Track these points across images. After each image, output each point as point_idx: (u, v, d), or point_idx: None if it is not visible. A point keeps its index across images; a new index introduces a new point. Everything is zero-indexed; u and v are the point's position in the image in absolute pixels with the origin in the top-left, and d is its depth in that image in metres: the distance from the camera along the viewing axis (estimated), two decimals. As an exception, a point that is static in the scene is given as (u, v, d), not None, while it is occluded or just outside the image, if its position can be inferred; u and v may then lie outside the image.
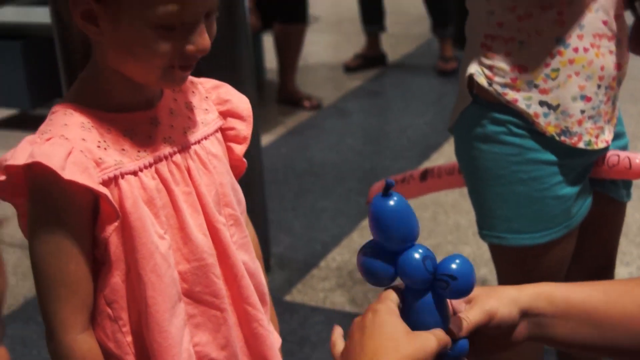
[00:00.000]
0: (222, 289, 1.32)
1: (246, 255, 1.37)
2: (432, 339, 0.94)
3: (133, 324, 1.27)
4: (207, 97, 1.38)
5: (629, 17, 1.76)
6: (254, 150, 2.81)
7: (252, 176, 2.80)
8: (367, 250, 1.01)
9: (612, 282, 1.08)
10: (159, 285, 1.24)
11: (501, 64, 1.69)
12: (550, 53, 1.68)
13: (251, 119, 1.40)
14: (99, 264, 1.25)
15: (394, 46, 6.03)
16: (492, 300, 0.99)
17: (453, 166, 2.03)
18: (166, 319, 1.24)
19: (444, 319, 0.99)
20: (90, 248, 1.22)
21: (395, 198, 0.98)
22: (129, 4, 1.14)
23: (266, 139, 4.52)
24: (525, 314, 1.01)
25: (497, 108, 1.72)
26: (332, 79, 5.62)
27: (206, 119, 1.35)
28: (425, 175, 2.12)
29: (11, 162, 1.17)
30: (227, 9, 2.58)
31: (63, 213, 1.19)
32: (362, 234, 3.33)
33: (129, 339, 1.27)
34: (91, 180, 1.17)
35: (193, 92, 1.37)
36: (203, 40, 1.19)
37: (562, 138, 1.71)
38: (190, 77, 1.36)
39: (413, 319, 0.98)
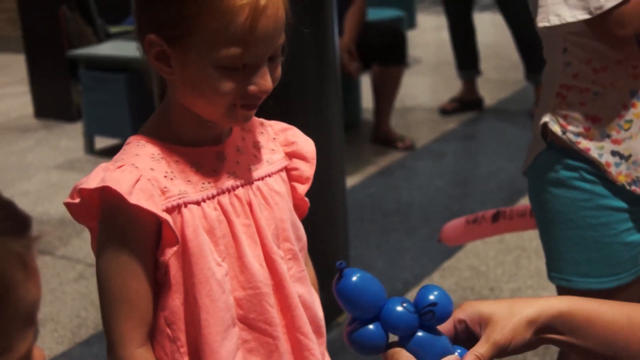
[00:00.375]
0: (276, 317, 1.36)
1: (303, 288, 1.41)
2: None
3: (190, 345, 1.32)
4: (274, 138, 1.44)
5: None
6: (338, 189, 2.85)
7: (336, 214, 2.84)
8: (350, 327, 1.03)
9: (638, 307, 1.06)
10: (212, 309, 1.29)
11: (575, 113, 1.71)
12: (624, 105, 1.69)
13: (314, 161, 1.45)
14: (159, 286, 1.31)
15: (490, 91, 6.03)
16: (507, 331, 1.00)
17: (525, 209, 2.04)
18: (217, 341, 1.29)
19: (446, 343, 1.01)
20: (152, 269, 1.29)
21: (346, 278, 1.01)
22: (196, 46, 1.21)
23: (357, 178, 4.58)
24: (540, 332, 1.01)
25: (571, 154, 1.73)
26: (427, 121, 5.64)
27: (272, 158, 1.41)
28: (497, 216, 2.13)
29: (84, 185, 1.25)
30: (318, 55, 2.64)
31: (128, 235, 1.26)
32: (444, 274, 3.34)
33: (186, 359, 1.32)
34: (155, 206, 1.23)
35: (262, 132, 1.43)
36: (265, 81, 1.25)
37: (633, 187, 1.71)
38: (261, 120, 1.44)
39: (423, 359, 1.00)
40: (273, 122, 1.47)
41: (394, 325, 1.01)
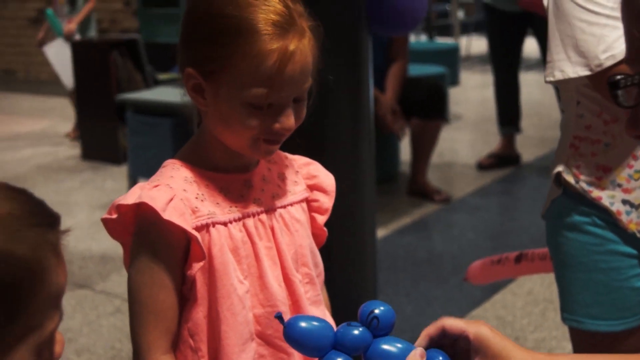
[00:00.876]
0: None
1: (318, 310, 1.51)
2: None
3: (210, 356, 1.41)
4: (297, 172, 1.55)
5: None
6: (368, 236, 2.92)
7: (365, 261, 2.90)
8: None
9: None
10: (232, 322, 1.39)
11: (587, 163, 1.79)
12: (634, 155, 1.76)
13: (334, 194, 1.56)
14: (185, 299, 1.40)
15: (528, 148, 6.11)
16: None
17: (545, 252, 2.12)
18: (235, 352, 1.39)
19: (408, 345, 1.11)
20: (180, 283, 1.39)
21: (288, 326, 1.14)
22: (227, 82, 1.33)
23: (392, 228, 4.67)
24: None
25: (584, 201, 1.81)
26: (464, 176, 5.73)
27: (294, 189, 1.52)
28: (519, 258, 2.21)
29: (122, 201, 1.36)
30: (353, 107, 2.72)
31: (159, 248, 1.36)
32: (470, 324, 3.39)
33: None
34: (186, 223, 1.34)
35: (287, 165, 1.54)
36: (288, 120, 1.35)
37: None
38: (286, 154, 1.55)
39: None
40: (297, 157, 1.58)
41: (350, 346, 1.12)
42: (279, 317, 1.16)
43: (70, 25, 6.85)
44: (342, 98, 2.68)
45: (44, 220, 0.85)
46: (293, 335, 1.15)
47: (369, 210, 2.91)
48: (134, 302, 1.39)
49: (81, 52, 6.51)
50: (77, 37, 6.89)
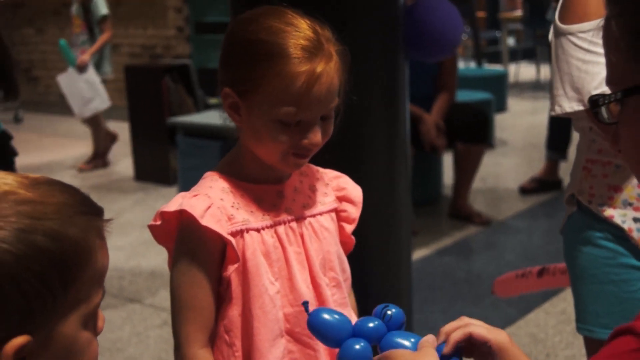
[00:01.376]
0: None
1: (344, 312, 1.64)
2: (430, 350, 1.20)
3: (244, 350, 1.55)
4: (328, 184, 1.69)
5: None
6: (404, 255, 3.00)
7: (401, 279, 2.97)
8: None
9: None
10: (263, 319, 1.53)
11: (599, 184, 1.91)
12: None
13: (361, 205, 1.69)
14: (222, 299, 1.55)
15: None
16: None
17: (566, 266, 2.23)
18: (266, 347, 1.53)
19: (417, 337, 1.27)
20: (216, 284, 1.53)
21: (310, 314, 1.32)
22: (260, 101, 1.47)
23: (432, 248, 4.78)
24: None
25: (597, 218, 1.92)
26: (506, 199, 5.82)
27: (324, 200, 1.66)
28: (542, 272, 2.32)
29: (165, 209, 1.51)
30: (388, 131, 2.81)
31: (198, 251, 1.51)
32: (504, 341, 3.48)
33: None
34: (222, 229, 1.49)
35: (318, 178, 1.68)
36: (315, 137, 1.49)
37: None
38: (318, 167, 1.70)
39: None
40: (328, 170, 1.72)
41: (367, 336, 1.28)
42: (305, 305, 1.31)
43: (84, 57, 6.83)
44: (379, 119, 2.78)
45: (91, 209, 1.01)
46: (315, 324, 1.30)
47: (404, 227, 3.00)
48: (175, 299, 1.53)
49: (134, 77, 6.74)
50: (91, 68, 6.87)
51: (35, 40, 11.25)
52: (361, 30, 2.63)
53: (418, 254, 4.67)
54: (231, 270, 1.51)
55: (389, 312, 1.30)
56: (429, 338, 1.25)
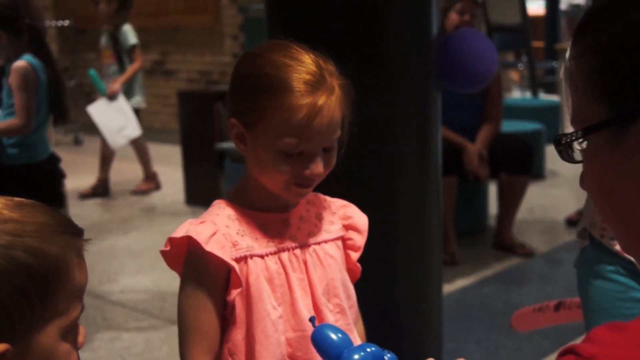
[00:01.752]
0: (319, 358, 1.62)
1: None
2: None
3: None
4: (335, 213, 1.74)
5: None
6: (434, 285, 3.01)
7: (430, 309, 2.98)
8: None
9: None
10: (265, 343, 1.58)
11: None
12: None
13: (366, 233, 1.74)
14: (226, 322, 1.61)
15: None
16: None
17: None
18: None
19: None
20: (221, 307, 1.59)
21: (316, 328, 1.36)
22: (263, 132, 1.53)
23: (472, 279, 4.79)
24: None
25: (608, 252, 1.95)
26: (551, 231, 5.80)
27: (330, 228, 1.71)
28: (559, 306, 2.34)
29: (173, 235, 1.58)
30: (420, 163, 2.82)
31: (203, 276, 1.57)
32: (535, 373, 3.49)
33: None
34: (226, 255, 1.55)
35: (325, 207, 1.74)
36: (317, 167, 1.55)
37: None
38: (326, 197, 1.75)
39: None
40: (335, 199, 1.77)
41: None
42: (312, 319, 1.36)
43: (114, 86, 6.77)
44: (411, 149, 2.81)
45: (70, 229, 1.09)
46: (317, 338, 1.34)
47: (435, 256, 3.01)
48: (181, 322, 1.60)
49: (187, 102, 6.88)
50: (122, 97, 6.81)
51: (96, 64, 11.53)
52: (394, 61, 2.67)
53: (458, 284, 4.69)
54: (234, 294, 1.57)
55: (385, 358, 1.32)
56: None
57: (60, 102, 4.26)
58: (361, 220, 1.75)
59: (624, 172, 0.96)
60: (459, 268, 4.94)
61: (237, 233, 1.59)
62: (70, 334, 1.08)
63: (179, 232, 1.58)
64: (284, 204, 1.66)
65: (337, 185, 1.86)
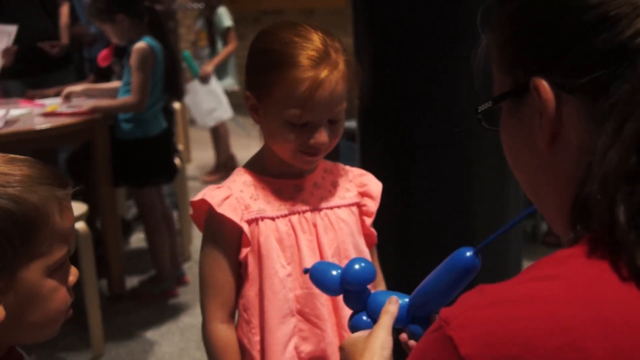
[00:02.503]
0: (325, 314, 1.72)
1: None
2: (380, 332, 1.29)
3: (260, 328, 1.72)
4: (351, 181, 1.83)
5: None
6: (514, 264, 2.99)
7: None
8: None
9: None
10: (273, 299, 1.69)
11: None
12: None
13: (379, 199, 1.82)
14: (241, 280, 1.73)
15: None
16: None
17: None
18: (275, 324, 1.68)
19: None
20: (236, 265, 1.71)
21: (312, 268, 1.46)
22: (272, 104, 1.65)
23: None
24: None
25: None
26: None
27: (345, 195, 1.79)
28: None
29: (193, 199, 1.72)
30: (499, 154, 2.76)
31: (217, 235, 1.70)
32: None
33: (257, 338, 1.72)
34: (236, 217, 1.67)
35: (342, 175, 1.83)
36: (321, 137, 1.64)
37: None
38: (346, 167, 1.84)
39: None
40: (354, 168, 1.86)
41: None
42: (305, 269, 1.48)
43: (207, 68, 6.87)
44: (490, 148, 2.73)
45: (54, 182, 1.22)
46: (314, 274, 1.45)
47: (514, 237, 2.99)
48: (200, 278, 1.73)
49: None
50: (214, 79, 6.85)
51: (238, 46, 11.87)
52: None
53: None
54: (244, 253, 1.69)
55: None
56: (390, 307, 1.34)
57: (176, 81, 4.52)
58: (375, 187, 1.83)
59: (522, 142, 1.01)
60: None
61: (251, 197, 1.71)
62: (57, 272, 1.22)
63: (198, 196, 1.70)
64: (299, 171, 1.75)
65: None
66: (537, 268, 0.90)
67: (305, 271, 1.49)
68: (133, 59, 4.11)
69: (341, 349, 1.34)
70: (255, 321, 1.73)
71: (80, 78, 5.33)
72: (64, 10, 5.33)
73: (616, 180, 0.86)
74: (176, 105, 5.90)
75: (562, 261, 0.88)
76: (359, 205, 1.82)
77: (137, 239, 5.33)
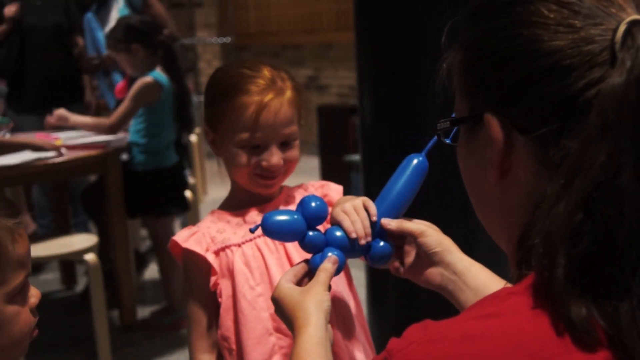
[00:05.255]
0: None
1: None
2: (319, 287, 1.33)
3: (238, 353, 1.74)
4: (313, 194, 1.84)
5: None
6: None
7: None
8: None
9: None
10: (244, 321, 1.72)
11: None
12: None
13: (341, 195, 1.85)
14: (219, 309, 1.76)
15: None
16: (433, 237, 1.41)
17: None
18: (250, 345, 1.71)
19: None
20: (211, 296, 1.75)
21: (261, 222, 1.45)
22: (224, 131, 1.73)
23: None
24: (443, 265, 1.39)
25: None
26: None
27: None
28: None
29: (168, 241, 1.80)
30: None
31: (190, 270, 1.77)
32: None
33: None
34: (201, 249, 1.73)
35: (303, 192, 1.87)
36: (272, 159, 1.71)
37: None
38: (309, 185, 1.89)
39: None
40: (315, 182, 1.92)
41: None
42: (251, 229, 1.47)
43: None
44: None
45: (4, 212, 1.27)
46: (270, 226, 1.43)
47: None
48: (186, 313, 1.79)
49: (325, 116, 7.15)
50: None
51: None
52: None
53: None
54: (212, 281, 1.73)
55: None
56: (327, 265, 1.39)
57: (185, 113, 4.59)
58: (336, 193, 1.86)
59: (475, 167, 1.01)
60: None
61: (217, 231, 1.77)
62: (17, 297, 1.26)
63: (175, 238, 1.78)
64: (262, 198, 1.81)
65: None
66: (480, 306, 0.92)
67: (253, 230, 1.46)
68: (132, 88, 4.24)
69: (274, 300, 1.38)
70: (236, 348, 1.76)
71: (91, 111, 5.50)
72: (79, 42, 5.45)
73: (560, 239, 0.85)
74: (192, 137, 5.97)
75: (504, 299, 0.90)
76: None
77: (151, 270, 5.38)
